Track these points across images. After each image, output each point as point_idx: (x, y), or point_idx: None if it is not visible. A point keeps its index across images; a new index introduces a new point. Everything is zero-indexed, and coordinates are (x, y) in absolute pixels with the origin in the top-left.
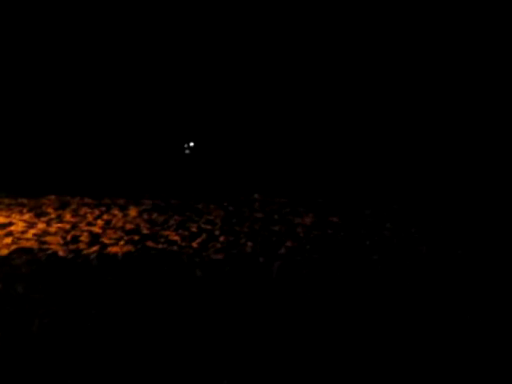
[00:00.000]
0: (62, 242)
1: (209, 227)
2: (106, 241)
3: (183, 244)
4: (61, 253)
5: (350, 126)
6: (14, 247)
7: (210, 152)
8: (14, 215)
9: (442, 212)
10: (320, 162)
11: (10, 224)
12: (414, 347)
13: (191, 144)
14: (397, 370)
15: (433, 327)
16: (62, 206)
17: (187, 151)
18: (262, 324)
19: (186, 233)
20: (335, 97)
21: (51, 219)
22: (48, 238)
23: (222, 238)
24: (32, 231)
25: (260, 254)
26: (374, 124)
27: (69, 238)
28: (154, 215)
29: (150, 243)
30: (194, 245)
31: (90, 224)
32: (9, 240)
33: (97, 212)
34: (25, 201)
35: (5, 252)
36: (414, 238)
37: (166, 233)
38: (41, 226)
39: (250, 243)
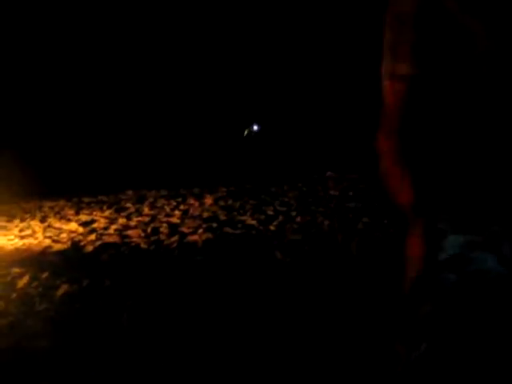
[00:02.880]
0: (142, 234)
1: (284, 209)
2: (185, 230)
3: (261, 228)
4: (143, 245)
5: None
6: (98, 243)
7: (277, 134)
8: (95, 212)
9: None
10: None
11: (93, 221)
12: None
13: (255, 128)
14: None
15: None
16: (140, 200)
17: (253, 134)
18: (349, 303)
19: (263, 216)
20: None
21: (131, 213)
22: (129, 232)
23: (298, 219)
24: (114, 226)
25: (337, 233)
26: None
27: (149, 230)
28: (230, 201)
29: (227, 229)
30: (272, 227)
31: (168, 215)
32: (93, 237)
33: (173, 203)
34: (104, 198)
35: (90, 248)
36: None
37: (243, 218)
38: (121, 220)
39: (326, 222)
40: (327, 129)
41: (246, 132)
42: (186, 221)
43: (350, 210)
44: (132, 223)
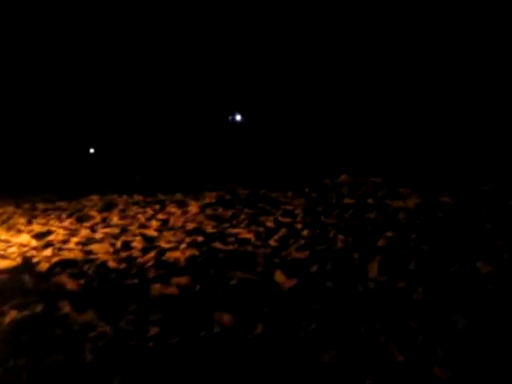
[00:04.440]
0: (111, 250)
1: (288, 220)
2: (164, 245)
3: (258, 243)
4: (111, 263)
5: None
6: (55, 260)
7: (277, 126)
8: (52, 222)
9: None
10: (417, 130)
11: (49, 233)
12: None
13: (239, 117)
14: None
15: None
16: (108, 207)
17: (238, 122)
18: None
19: (261, 229)
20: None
21: (96, 224)
22: (94, 247)
23: (305, 233)
24: (75, 239)
25: (352, 249)
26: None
27: (119, 244)
28: (220, 210)
29: (217, 244)
30: (272, 243)
31: (142, 226)
32: (48, 252)
33: (150, 211)
34: (63, 204)
35: (45, 266)
36: None
37: (236, 230)
38: (84, 232)
39: (340, 236)
40: (341, 121)
41: (229, 118)
42: (166, 233)
43: (370, 221)
44: (97, 236)
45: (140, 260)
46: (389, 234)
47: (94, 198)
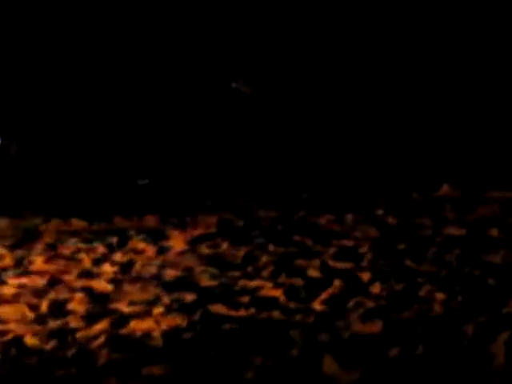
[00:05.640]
0: (30, 315)
1: (347, 265)
2: (125, 308)
3: (292, 306)
4: (30, 340)
5: None
6: None
7: (315, 97)
8: None
9: None
10: None
11: None
12: None
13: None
14: None
15: None
16: (25, 240)
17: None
18: None
19: (298, 280)
20: None
21: (4, 269)
22: (1, 311)
23: (376, 288)
24: None
25: (462, 319)
26: None
27: (44, 307)
28: (224, 246)
29: (219, 308)
30: (317, 306)
31: (87, 274)
32: None
33: (100, 248)
34: None
35: None
36: None
37: (254, 283)
38: None
39: (439, 295)
40: (436, 104)
41: (233, 85)
42: (128, 288)
43: (493, 269)
44: (7, 291)
45: (82, 335)
46: None
47: (2, 223)
